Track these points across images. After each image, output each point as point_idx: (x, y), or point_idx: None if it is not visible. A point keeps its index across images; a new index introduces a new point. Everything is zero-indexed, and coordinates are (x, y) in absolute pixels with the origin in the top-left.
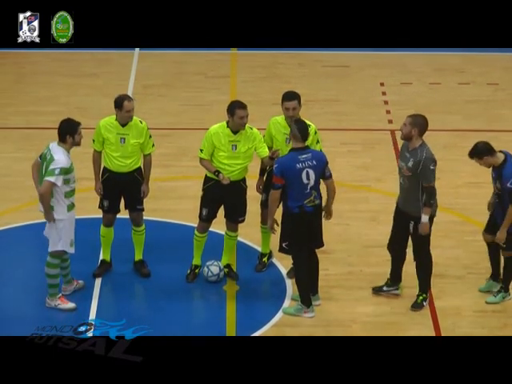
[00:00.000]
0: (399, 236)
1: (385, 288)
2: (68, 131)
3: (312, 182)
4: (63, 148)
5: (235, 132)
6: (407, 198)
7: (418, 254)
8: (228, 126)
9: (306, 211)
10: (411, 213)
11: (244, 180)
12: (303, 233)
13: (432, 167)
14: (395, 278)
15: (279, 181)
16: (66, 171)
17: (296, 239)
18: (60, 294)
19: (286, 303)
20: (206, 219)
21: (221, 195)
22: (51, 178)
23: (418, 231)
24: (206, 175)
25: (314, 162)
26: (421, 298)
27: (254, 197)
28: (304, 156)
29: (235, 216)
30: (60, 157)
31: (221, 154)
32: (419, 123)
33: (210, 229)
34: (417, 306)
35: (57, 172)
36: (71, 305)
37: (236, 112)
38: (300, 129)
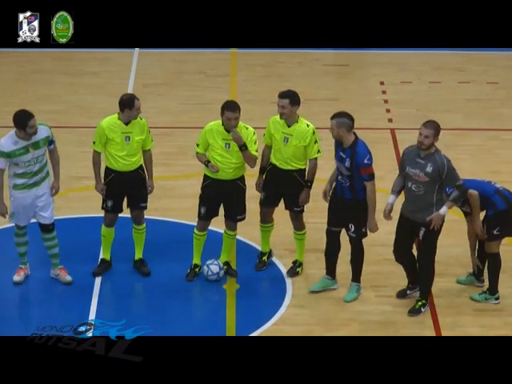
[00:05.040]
0: (405, 243)
1: (408, 292)
2: (17, 125)
3: None
4: (15, 134)
5: (228, 130)
6: (419, 205)
7: (423, 262)
8: (222, 124)
9: None
10: (422, 220)
11: (242, 179)
12: None
13: (454, 166)
14: (414, 281)
15: (372, 169)
16: (8, 155)
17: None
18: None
19: (286, 302)
20: (205, 217)
21: (219, 193)
22: None
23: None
24: (204, 174)
25: None
26: (420, 303)
27: (254, 195)
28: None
29: (234, 214)
30: (2, 140)
31: (215, 151)
32: (436, 128)
33: (210, 227)
34: (414, 312)
35: None
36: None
37: (225, 113)
38: (350, 116)
